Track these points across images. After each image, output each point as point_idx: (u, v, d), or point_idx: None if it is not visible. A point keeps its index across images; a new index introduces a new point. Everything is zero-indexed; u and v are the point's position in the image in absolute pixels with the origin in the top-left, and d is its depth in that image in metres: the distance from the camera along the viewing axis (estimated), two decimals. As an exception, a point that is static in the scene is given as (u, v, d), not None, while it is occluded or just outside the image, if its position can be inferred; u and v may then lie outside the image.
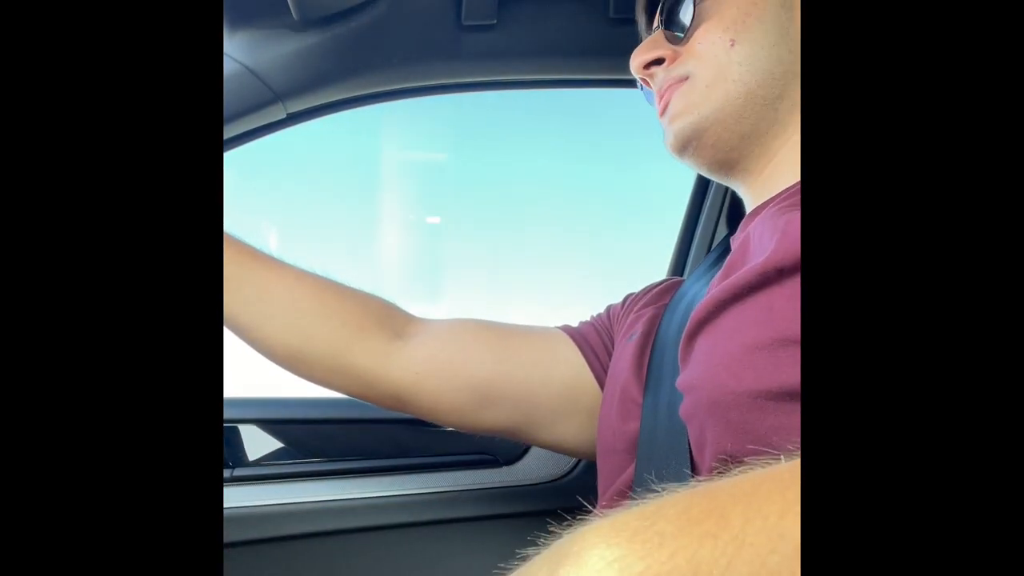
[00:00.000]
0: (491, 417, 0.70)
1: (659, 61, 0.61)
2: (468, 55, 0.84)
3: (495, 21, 0.82)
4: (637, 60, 0.62)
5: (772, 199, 0.56)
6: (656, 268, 1.15)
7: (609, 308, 0.75)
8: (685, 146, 0.59)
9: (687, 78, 0.58)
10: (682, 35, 0.59)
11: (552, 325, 0.75)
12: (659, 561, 0.26)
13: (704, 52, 0.57)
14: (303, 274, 0.69)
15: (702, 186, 1.08)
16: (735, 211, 1.04)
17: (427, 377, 0.68)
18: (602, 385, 0.68)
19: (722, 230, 1.06)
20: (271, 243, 0.70)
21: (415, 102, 0.89)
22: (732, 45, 0.56)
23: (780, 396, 0.41)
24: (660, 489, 0.30)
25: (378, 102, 0.87)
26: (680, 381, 0.50)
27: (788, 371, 0.41)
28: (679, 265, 1.10)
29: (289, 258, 0.70)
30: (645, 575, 0.26)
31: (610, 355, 0.70)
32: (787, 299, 0.43)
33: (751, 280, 0.46)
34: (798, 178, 0.55)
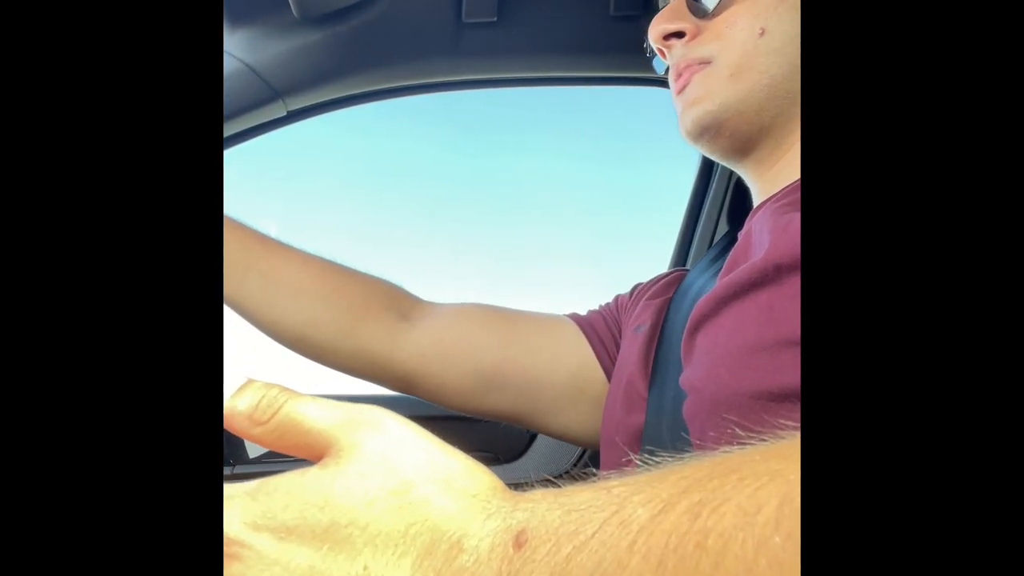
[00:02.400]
0: (496, 402, 0.69)
1: (680, 34, 0.58)
2: (468, 52, 0.84)
3: (495, 18, 0.82)
4: (657, 29, 0.59)
5: (774, 196, 0.55)
6: (659, 261, 1.15)
7: (617, 298, 0.75)
8: (702, 133, 0.57)
9: (709, 62, 0.56)
10: (708, 10, 0.56)
11: (560, 313, 0.74)
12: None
13: (731, 37, 0.55)
14: (310, 258, 0.69)
15: (704, 179, 1.08)
16: (737, 204, 1.04)
17: (433, 360, 0.68)
18: (609, 375, 0.67)
19: (723, 224, 1.06)
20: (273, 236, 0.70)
21: (416, 99, 0.89)
22: (762, 34, 0.53)
23: (781, 397, 0.41)
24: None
25: (379, 99, 0.87)
26: (683, 380, 0.50)
27: (789, 372, 0.40)
28: (681, 258, 1.11)
29: (296, 243, 0.70)
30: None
31: (618, 345, 0.69)
32: (788, 299, 0.42)
33: (751, 277, 0.45)
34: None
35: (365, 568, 0.26)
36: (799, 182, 0.53)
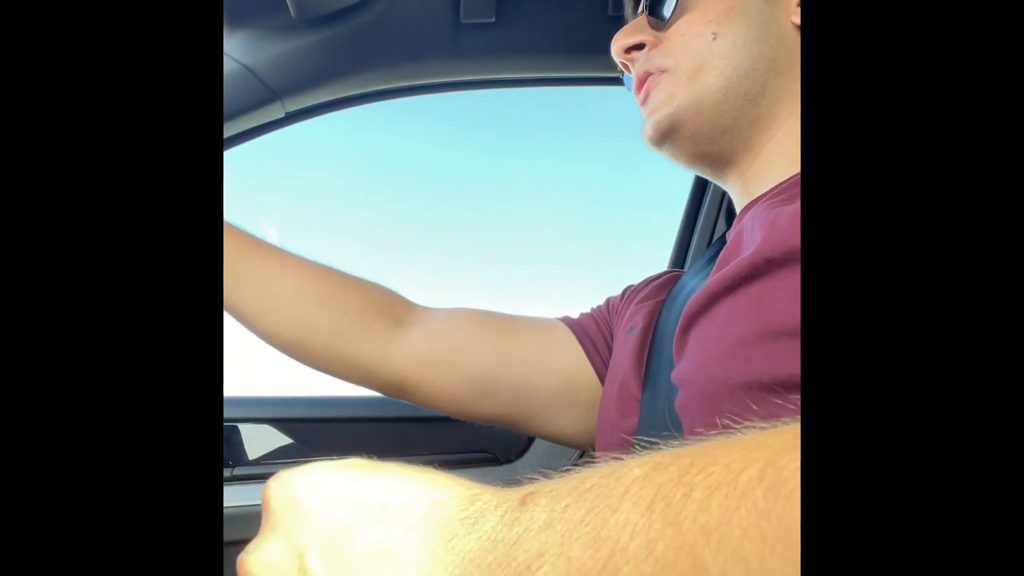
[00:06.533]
0: (490, 407, 0.70)
1: (640, 46, 0.60)
2: (467, 53, 0.84)
3: (493, 19, 0.82)
4: (618, 44, 0.62)
5: (765, 194, 0.56)
6: (657, 263, 1.15)
7: (609, 300, 0.75)
8: (664, 138, 0.59)
9: (667, 69, 0.58)
10: (665, 22, 0.59)
11: (552, 317, 0.75)
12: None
13: (686, 44, 0.57)
14: (306, 263, 0.69)
15: (702, 181, 1.08)
16: (734, 207, 1.04)
17: (428, 366, 0.69)
18: (601, 378, 0.68)
19: (722, 224, 1.06)
20: (271, 240, 0.71)
21: (414, 100, 0.89)
22: (714, 38, 0.56)
23: (771, 388, 0.41)
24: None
25: (377, 100, 0.87)
26: (675, 374, 0.50)
27: (779, 363, 0.41)
28: (679, 259, 1.11)
29: (292, 248, 0.70)
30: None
31: (610, 348, 0.69)
32: (777, 291, 0.43)
33: (742, 271, 0.46)
34: (788, 173, 0.55)
35: (384, 506, 0.29)
36: (790, 180, 0.54)
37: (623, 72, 0.65)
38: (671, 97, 0.57)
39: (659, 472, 0.25)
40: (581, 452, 1.01)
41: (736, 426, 0.27)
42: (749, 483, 0.23)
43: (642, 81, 0.60)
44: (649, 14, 0.60)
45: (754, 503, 0.22)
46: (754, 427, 0.27)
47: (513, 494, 0.28)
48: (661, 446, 0.28)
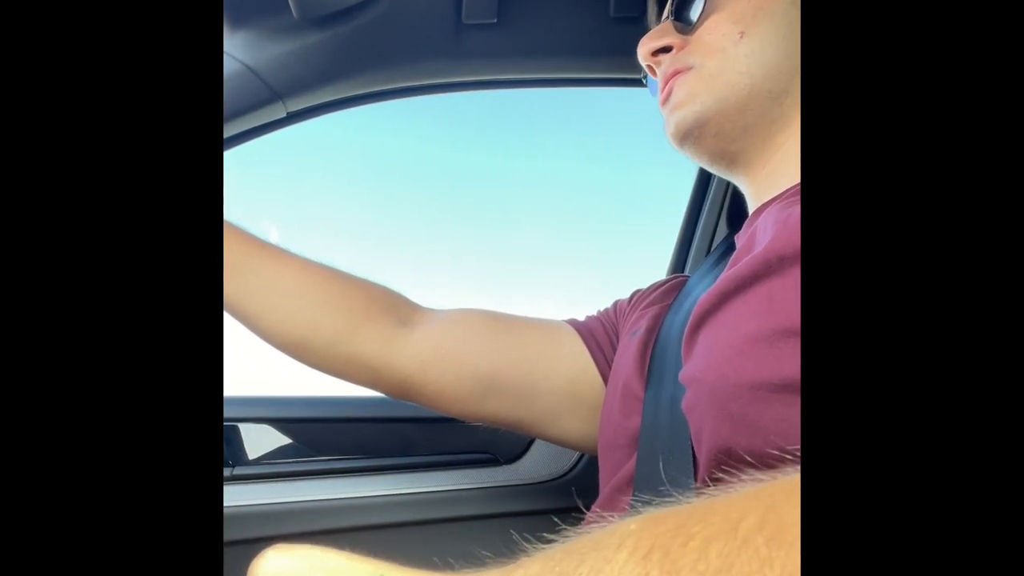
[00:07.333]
0: (494, 408, 0.70)
1: (667, 49, 0.61)
2: (468, 54, 0.84)
3: (495, 20, 0.82)
4: (645, 47, 0.62)
5: (779, 196, 0.56)
6: (657, 266, 1.15)
7: (616, 303, 0.75)
8: (687, 135, 0.59)
9: (692, 68, 0.58)
10: (691, 26, 0.59)
11: (558, 319, 0.74)
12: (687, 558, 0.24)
13: (712, 43, 0.57)
14: (309, 263, 0.69)
15: (703, 184, 1.08)
16: (735, 209, 1.04)
17: (431, 366, 0.68)
18: (607, 381, 0.68)
19: (722, 228, 1.06)
20: (272, 240, 0.71)
21: (416, 101, 0.89)
22: (741, 37, 0.56)
23: (781, 388, 0.40)
24: (663, 489, 0.29)
25: (378, 101, 0.87)
26: (683, 374, 0.50)
27: (789, 363, 0.40)
28: (680, 263, 1.11)
29: (295, 248, 0.70)
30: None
31: (616, 351, 0.69)
32: (788, 290, 0.42)
33: (753, 269, 0.45)
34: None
35: (380, 573, 0.29)
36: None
37: (645, 76, 0.65)
38: (693, 94, 0.57)
39: (656, 524, 0.25)
40: (580, 455, 1.01)
41: (733, 480, 0.27)
42: (750, 532, 0.23)
43: (667, 81, 0.60)
44: (675, 19, 0.60)
45: (756, 551, 0.22)
46: (753, 479, 0.27)
47: (513, 562, 0.28)
48: (659, 503, 0.28)
